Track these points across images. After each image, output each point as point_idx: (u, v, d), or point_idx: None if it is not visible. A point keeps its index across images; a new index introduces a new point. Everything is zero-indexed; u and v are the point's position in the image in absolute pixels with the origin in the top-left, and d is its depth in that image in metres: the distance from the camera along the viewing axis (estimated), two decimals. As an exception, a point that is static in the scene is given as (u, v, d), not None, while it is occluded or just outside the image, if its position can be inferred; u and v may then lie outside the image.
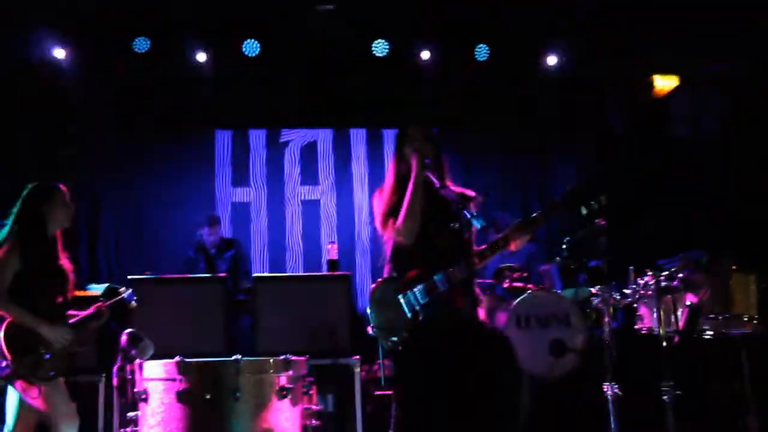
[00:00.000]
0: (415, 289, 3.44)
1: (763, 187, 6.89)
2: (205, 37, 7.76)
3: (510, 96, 8.27)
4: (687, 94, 8.13)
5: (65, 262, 4.17)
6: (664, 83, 8.08)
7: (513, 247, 3.53)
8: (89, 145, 7.79)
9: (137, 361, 4.15)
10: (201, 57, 7.79)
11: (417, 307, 3.42)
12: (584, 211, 3.46)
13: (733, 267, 5.05)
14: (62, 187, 4.18)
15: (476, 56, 8.04)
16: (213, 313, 5.55)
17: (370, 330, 3.59)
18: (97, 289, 5.77)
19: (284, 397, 4.00)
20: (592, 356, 5.75)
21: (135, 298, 4.38)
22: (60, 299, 4.09)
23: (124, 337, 4.30)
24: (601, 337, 5.45)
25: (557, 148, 8.40)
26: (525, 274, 6.25)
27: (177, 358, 3.91)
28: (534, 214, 3.53)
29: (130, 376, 4.12)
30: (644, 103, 8.21)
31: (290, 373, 4.07)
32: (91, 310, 4.17)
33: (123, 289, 4.41)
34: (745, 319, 4.91)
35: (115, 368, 4.25)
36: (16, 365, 3.82)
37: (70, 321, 4.07)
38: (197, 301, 5.55)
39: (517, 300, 5.83)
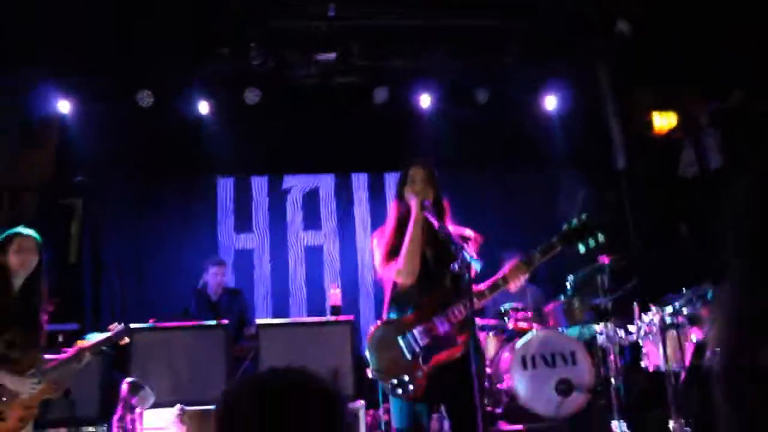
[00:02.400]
0: (415, 330, 3.42)
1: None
2: (207, 88, 7.87)
3: (511, 136, 8.31)
4: (689, 135, 8.17)
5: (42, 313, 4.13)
6: (663, 121, 8.12)
7: (512, 287, 3.53)
8: (93, 196, 7.84)
9: (138, 410, 4.11)
10: (203, 107, 7.89)
11: (417, 349, 3.40)
12: (582, 249, 3.45)
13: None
14: (22, 233, 4.14)
15: (476, 98, 8.11)
16: (215, 360, 5.51)
17: (369, 373, 3.56)
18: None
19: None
20: (599, 394, 5.70)
21: (127, 334, 4.28)
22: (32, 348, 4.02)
23: (124, 386, 4.28)
24: (608, 375, 5.41)
25: (560, 187, 8.43)
26: (529, 314, 6.21)
27: (178, 407, 3.87)
28: (532, 253, 3.51)
29: (130, 426, 4.09)
30: (646, 140, 8.24)
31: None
32: (70, 352, 4.09)
33: (114, 325, 4.33)
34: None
35: (115, 418, 4.21)
36: None
37: (49, 365, 3.98)
38: (199, 349, 5.52)
39: (522, 340, 5.79)
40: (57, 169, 7.87)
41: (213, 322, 5.89)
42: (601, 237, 3.46)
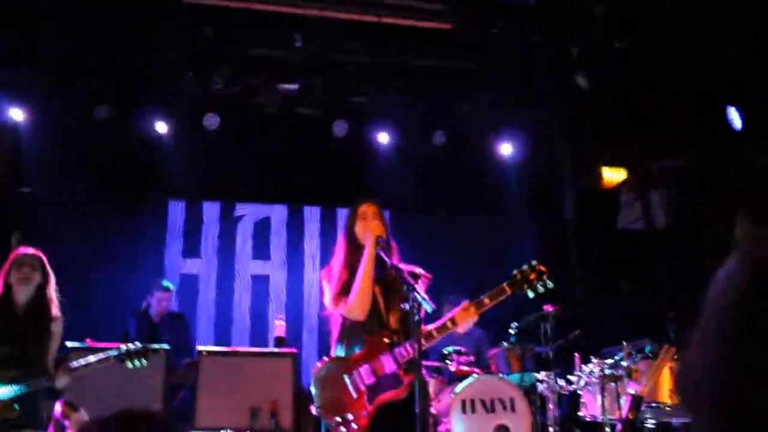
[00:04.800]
0: (361, 369, 3.41)
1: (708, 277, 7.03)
2: (167, 109, 7.81)
3: (464, 179, 8.42)
4: (635, 190, 8.39)
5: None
6: (613, 175, 8.34)
7: (460, 329, 3.54)
8: (41, 207, 7.65)
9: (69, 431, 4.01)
10: (161, 127, 7.82)
11: (362, 387, 3.39)
12: (531, 294, 3.52)
13: (675, 356, 5.13)
14: (22, 251, 4.36)
15: (433, 139, 8.21)
16: (153, 385, 5.39)
17: (313, 409, 3.53)
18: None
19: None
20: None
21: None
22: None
23: (58, 407, 4.17)
24: (546, 423, 5.46)
25: (510, 233, 8.54)
26: (472, 358, 6.24)
27: None
28: (481, 297, 3.54)
29: (60, 448, 3.97)
30: (595, 193, 8.44)
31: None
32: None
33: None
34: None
35: (46, 438, 4.10)
36: None
37: None
38: (136, 372, 5.37)
39: (463, 384, 5.81)
40: (3, 179, 7.68)
41: (154, 346, 5.77)
42: (549, 283, 3.53)
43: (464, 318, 3.46)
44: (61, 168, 7.67)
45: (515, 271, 3.54)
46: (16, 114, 7.53)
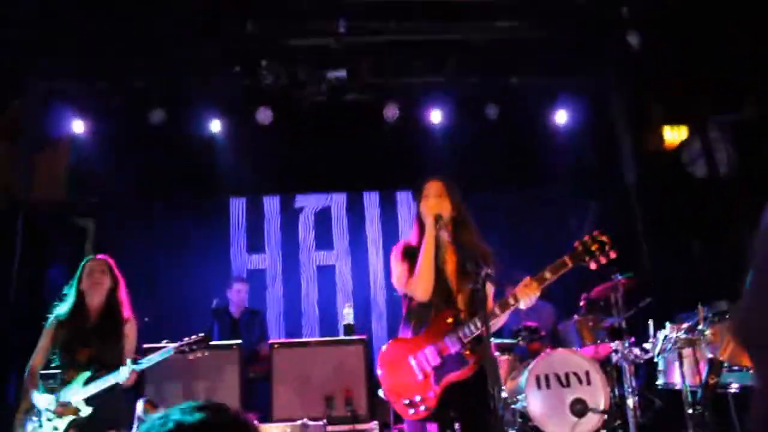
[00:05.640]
0: (426, 350, 3.39)
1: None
2: (219, 107, 7.91)
3: (520, 153, 8.27)
4: (698, 141, 8.11)
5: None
6: (674, 134, 8.09)
7: (523, 305, 3.45)
8: (105, 216, 7.86)
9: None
10: (215, 126, 7.92)
11: (428, 369, 3.37)
12: (593, 266, 3.41)
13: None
14: (91, 258, 4.58)
15: (487, 114, 8.10)
16: (229, 380, 5.51)
17: (381, 393, 3.53)
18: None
19: (301, 463, 3.94)
20: (614, 414, 5.64)
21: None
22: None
23: (139, 406, 4.29)
24: (623, 394, 5.35)
25: (571, 204, 8.39)
26: (543, 333, 6.17)
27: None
28: (542, 271, 3.45)
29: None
30: (656, 154, 8.20)
31: (306, 439, 4.01)
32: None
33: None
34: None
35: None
36: None
37: None
38: (212, 368, 5.51)
39: (536, 359, 5.74)
40: (69, 190, 7.91)
41: (227, 342, 5.90)
42: (612, 254, 3.41)
43: (526, 294, 3.38)
44: (123, 175, 7.84)
45: (576, 243, 3.44)
46: (78, 126, 7.74)
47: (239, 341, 5.92)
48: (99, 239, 7.81)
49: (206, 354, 4.43)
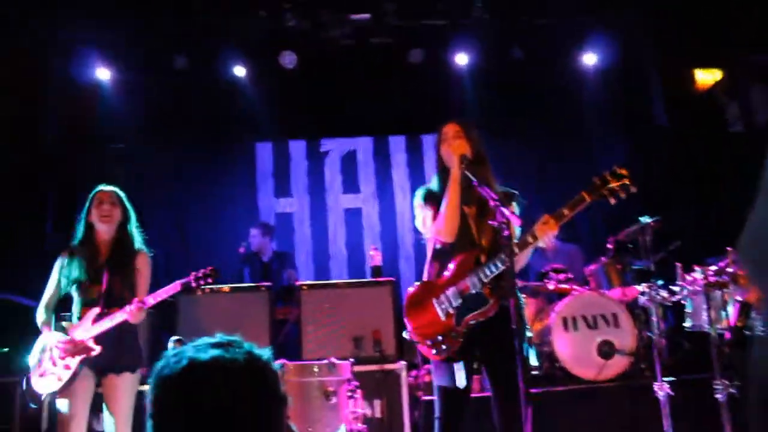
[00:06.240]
0: (448, 291, 3.41)
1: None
2: (243, 51, 7.86)
3: (548, 96, 8.16)
4: (734, 89, 7.93)
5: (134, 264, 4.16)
6: (707, 76, 7.91)
7: (542, 243, 3.40)
8: (131, 163, 7.90)
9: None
10: (239, 71, 7.90)
11: (450, 310, 3.39)
12: (612, 201, 3.32)
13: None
14: (100, 188, 4.24)
15: (513, 55, 7.97)
16: (259, 321, 5.60)
17: (406, 334, 3.56)
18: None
19: (329, 400, 4.01)
20: (642, 356, 5.66)
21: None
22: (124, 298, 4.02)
23: (171, 345, 4.35)
24: (651, 336, 5.36)
25: (600, 147, 8.29)
26: (570, 275, 6.16)
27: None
28: (560, 208, 3.33)
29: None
30: (688, 96, 8.03)
31: (334, 377, 4.08)
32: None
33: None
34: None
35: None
36: None
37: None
38: (243, 310, 5.61)
39: (564, 301, 5.76)
40: (96, 137, 7.96)
41: (257, 284, 5.98)
42: (632, 188, 3.32)
43: (544, 231, 3.29)
44: (149, 122, 7.88)
45: (594, 178, 3.35)
46: (103, 73, 7.75)
47: (269, 283, 6.00)
48: (127, 186, 7.87)
49: (212, 284, 4.17)
